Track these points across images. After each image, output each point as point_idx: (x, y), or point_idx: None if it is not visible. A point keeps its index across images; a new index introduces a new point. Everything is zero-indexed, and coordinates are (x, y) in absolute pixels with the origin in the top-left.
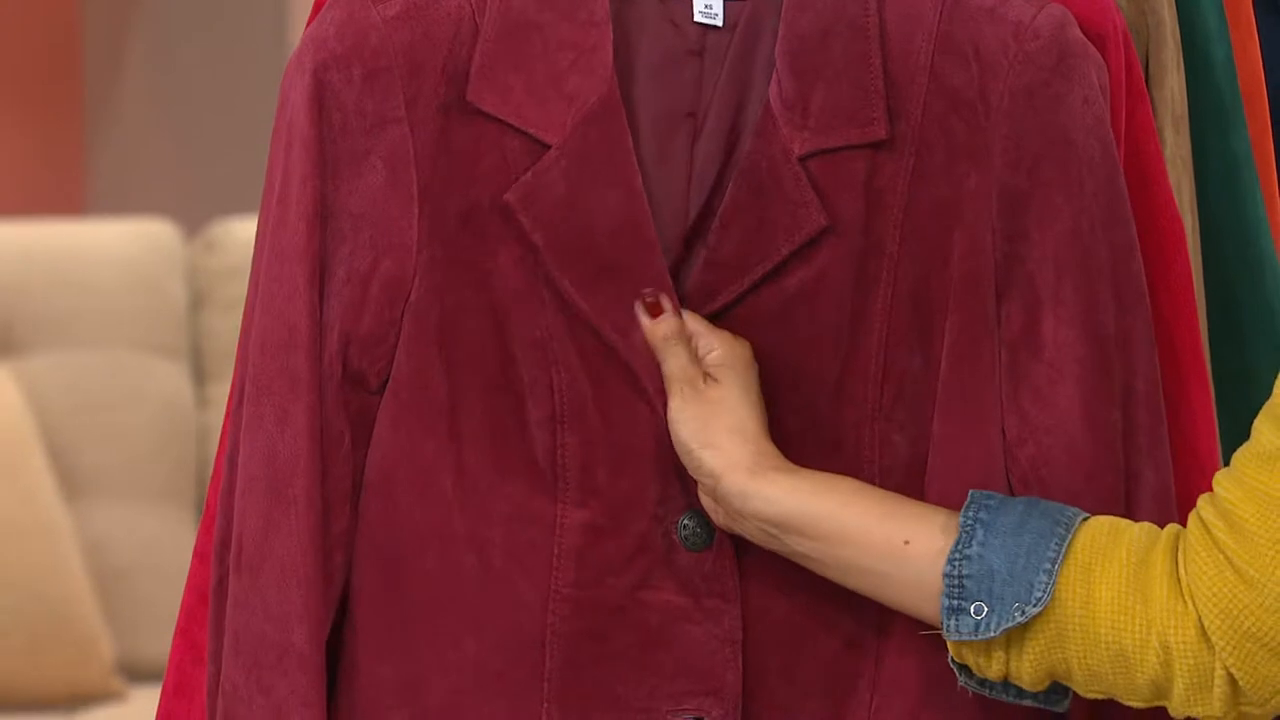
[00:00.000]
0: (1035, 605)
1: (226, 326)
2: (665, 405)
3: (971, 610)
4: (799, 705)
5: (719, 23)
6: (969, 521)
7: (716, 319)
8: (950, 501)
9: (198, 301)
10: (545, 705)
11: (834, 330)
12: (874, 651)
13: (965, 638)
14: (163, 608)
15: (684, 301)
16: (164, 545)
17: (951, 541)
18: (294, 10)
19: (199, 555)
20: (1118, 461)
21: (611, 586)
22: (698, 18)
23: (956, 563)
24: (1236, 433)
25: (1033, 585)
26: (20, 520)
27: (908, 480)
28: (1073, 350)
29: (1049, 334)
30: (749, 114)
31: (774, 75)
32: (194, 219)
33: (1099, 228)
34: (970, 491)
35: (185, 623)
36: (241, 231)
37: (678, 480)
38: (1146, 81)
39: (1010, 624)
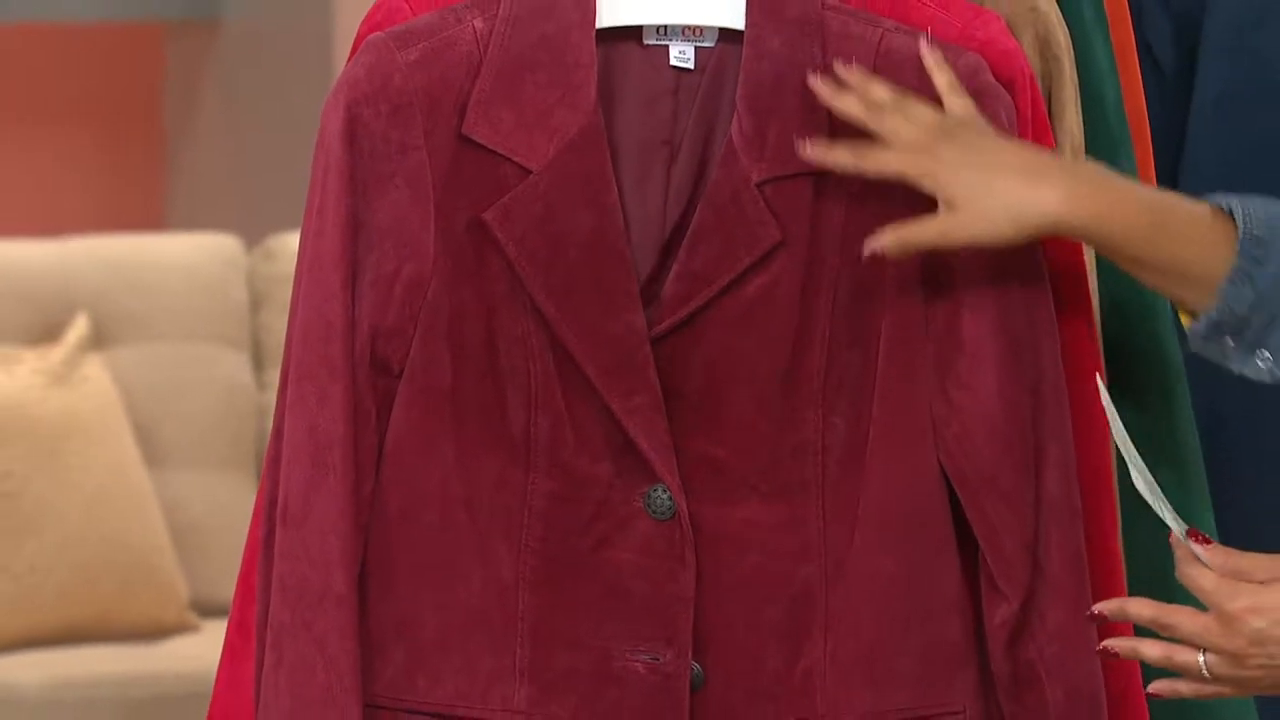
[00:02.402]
0: None
1: (282, 323)
2: (611, 394)
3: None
4: (761, 648)
5: (691, 66)
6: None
7: (688, 322)
8: (892, 473)
9: (257, 302)
10: (519, 641)
11: (785, 329)
12: (823, 601)
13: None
14: (228, 555)
15: (659, 307)
16: (228, 504)
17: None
18: (338, 60)
19: (258, 514)
20: (1027, 437)
21: (574, 545)
22: (673, 61)
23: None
24: (1125, 416)
25: None
26: (111, 485)
27: (846, 456)
28: (989, 345)
29: (969, 332)
30: (716, 143)
31: (735, 114)
32: (254, 232)
33: None
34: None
35: (246, 570)
36: (295, 243)
37: (634, 459)
38: (1049, 117)
39: None
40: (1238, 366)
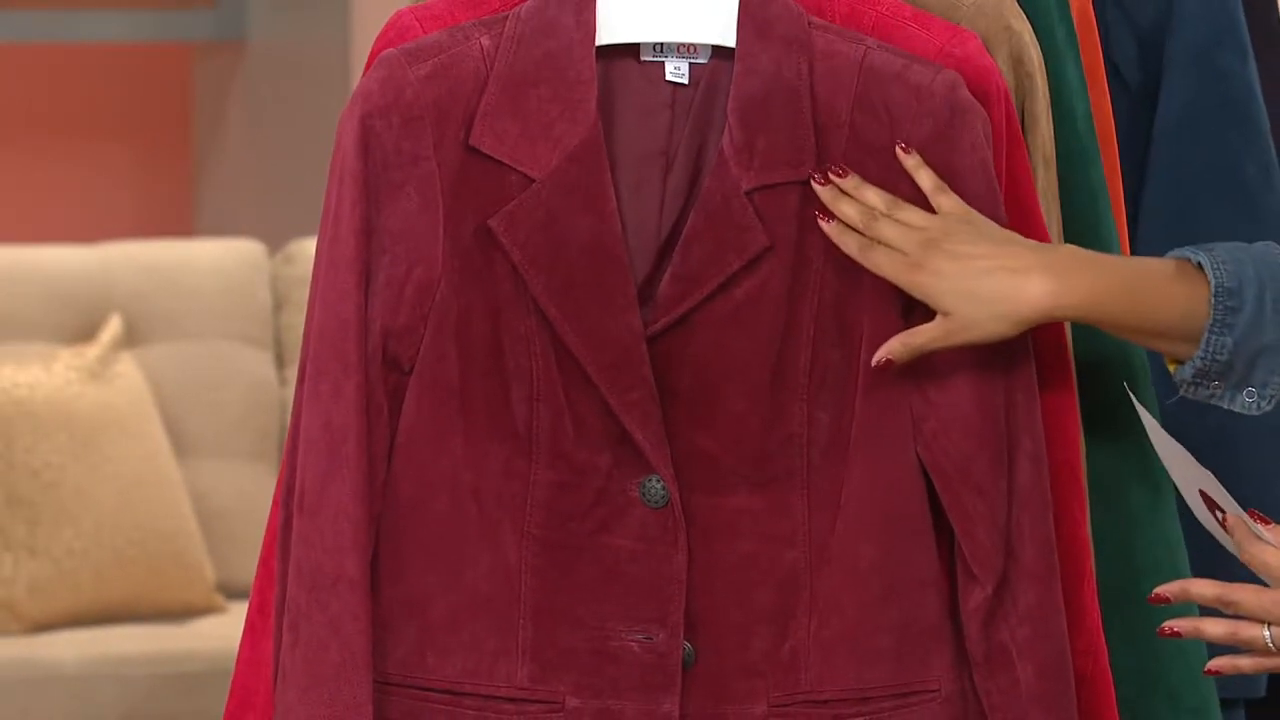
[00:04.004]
0: None
1: (302, 322)
2: (609, 390)
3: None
4: (750, 629)
5: (685, 81)
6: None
7: (682, 322)
8: (873, 464)
9: (279, 303)
10: (522, 621)
11: (772, 330)
12: (808, 584)
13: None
14: (252, 541)
15: (653, 308)
16: (252, 492)
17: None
18: (355, 79)
19: (277, 502)
20: (1001, 431)
21: (574, 531)
22: (669, 77)
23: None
24: (1094, 412)
25: None
26: (143, 474)
27: (830, 448)
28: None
29: None
30: (709, 153)
31: (726, 127)
32: (277, 238)
33: None
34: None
35: (266, 554)
36: (314, 248)
37: (630, 451)
38: (1022, 129)
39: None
40: (1226, 404)
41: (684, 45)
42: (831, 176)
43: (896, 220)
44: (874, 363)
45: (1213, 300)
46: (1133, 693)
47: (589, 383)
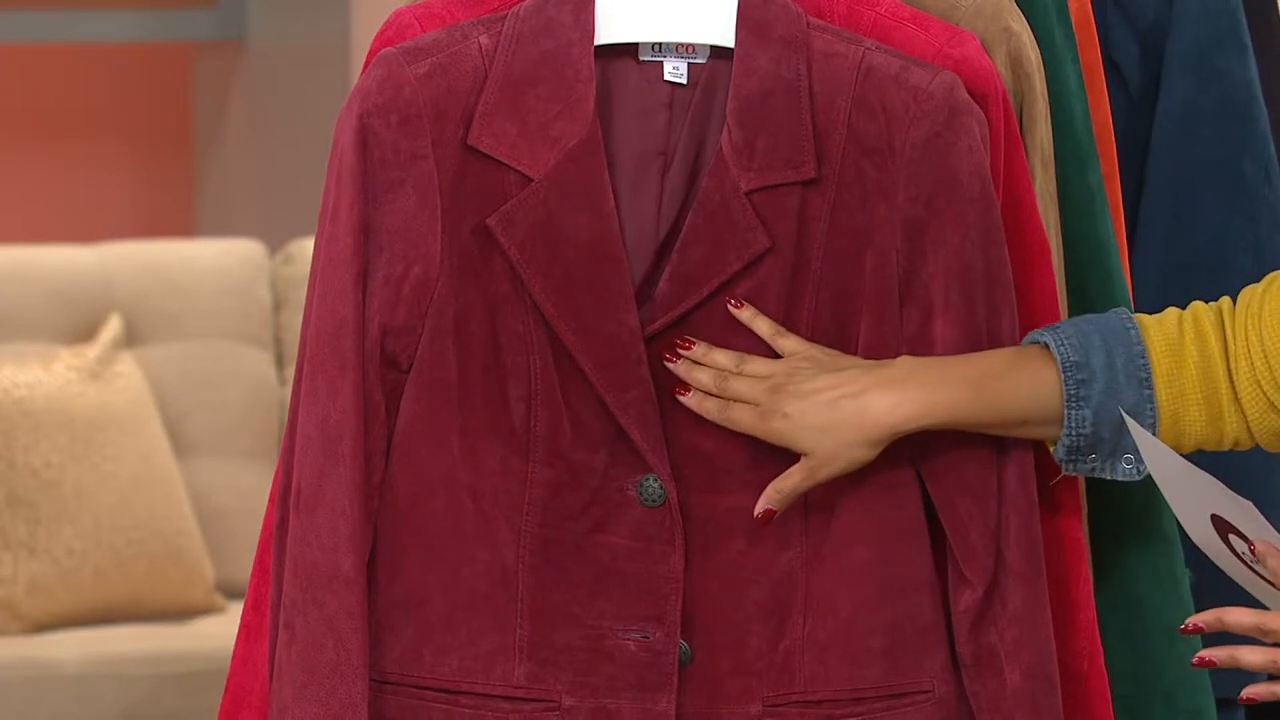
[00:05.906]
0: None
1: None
2: (607, 389)
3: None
4: (745, 628)
5: (684, 81)
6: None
7: (680, 322)
8: (866, 467)
9: (279, 303)
10: (519, 620)
11: None
12: (803, 585)
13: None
14: (251, 540)
15: (653, 308)
16: (252, 492)
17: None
18: (355, 79)
19: (273, 500)
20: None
21: (570, 530)
22: (667, 76)
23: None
24: None
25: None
26: (142, 473)
27: None
28: (955, 345)
29: (938, 332)
30: (707, 154)
31: (725, 127)
32: (277, 238)
33: (978, 248)
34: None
35: (262, 553)
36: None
37: (627, 450)
38: (1021, 131)
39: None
40: (1109, 475)
41: (682, 45)
42: (679, 349)
43: (744, 374)
44: (755, 514)
45: (1063, 375)
46: (1129, 692)
47: (587, 382)
